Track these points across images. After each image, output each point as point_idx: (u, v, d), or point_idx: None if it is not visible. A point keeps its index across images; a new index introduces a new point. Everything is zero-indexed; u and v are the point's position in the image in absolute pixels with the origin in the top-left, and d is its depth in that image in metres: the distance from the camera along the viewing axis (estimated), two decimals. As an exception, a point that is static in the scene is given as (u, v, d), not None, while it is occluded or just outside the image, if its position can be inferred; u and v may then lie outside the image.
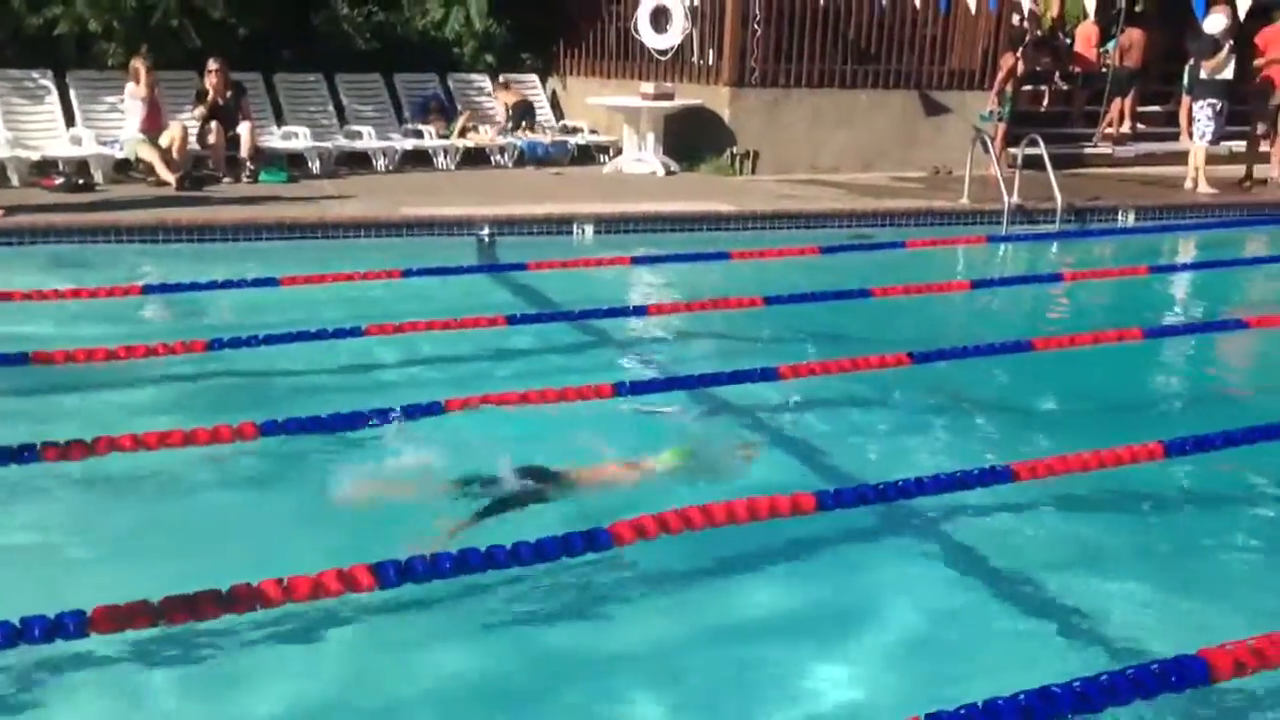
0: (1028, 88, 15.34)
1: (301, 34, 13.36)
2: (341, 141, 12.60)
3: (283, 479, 4.71)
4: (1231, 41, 12.11)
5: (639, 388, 5.49)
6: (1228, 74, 12.22)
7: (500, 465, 4.36)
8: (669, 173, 12.62)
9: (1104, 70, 15.38)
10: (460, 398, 4.92)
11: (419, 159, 12.81)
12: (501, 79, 13.97)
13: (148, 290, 7.18)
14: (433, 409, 4.82)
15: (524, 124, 13.29)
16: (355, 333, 6.07)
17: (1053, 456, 4.38)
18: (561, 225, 9.85)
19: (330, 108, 13.10)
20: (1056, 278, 8.89)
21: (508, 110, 13.39)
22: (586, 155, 13.65)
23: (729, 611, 3.86)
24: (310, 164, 12.09)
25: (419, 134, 12.98)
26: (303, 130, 12.29)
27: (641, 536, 3.63)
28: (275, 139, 12.23)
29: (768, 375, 5.71)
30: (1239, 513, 4.77)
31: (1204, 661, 3.00)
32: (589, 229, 9.84)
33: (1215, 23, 11.89)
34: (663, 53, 13.45)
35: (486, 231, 9.47)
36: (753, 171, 12.87)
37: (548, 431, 5.16)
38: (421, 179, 11.95)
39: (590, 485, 4.50)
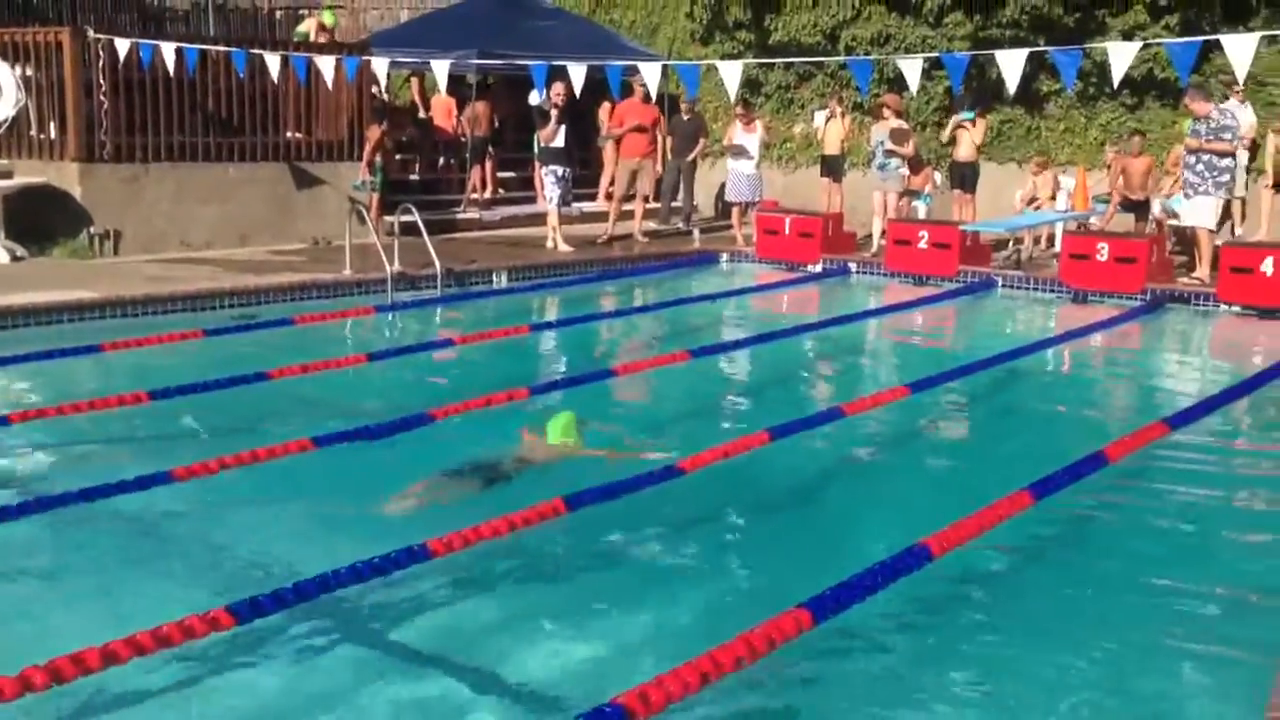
0: (399, 157, 15.82)
1: None
2: None
3: None
4: (556, 111, 13.16)
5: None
6: (559, 143, 13.31)
7: None
8: (15, 259, 11.23)
9: (463, 140, 16.27)
10: None
11: None
12: None
13: None
14: None
15: None
16: None
17: (467, 528, 4.47)
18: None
19: None
20: (447, 343, 9.16)
21: None
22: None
23: None
24: None
25: None
26: None
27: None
28: None
29: (160, 479, 5.24)
30: (634, 557, 5.12)
31: (621, 708, 3.18)
32: (-86, 331, 8.44)
33: (535, 96, 12.96)
34: (-6, 125, 12.00)
35: None
36: (115, 253, 11.88)
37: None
38: None
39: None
